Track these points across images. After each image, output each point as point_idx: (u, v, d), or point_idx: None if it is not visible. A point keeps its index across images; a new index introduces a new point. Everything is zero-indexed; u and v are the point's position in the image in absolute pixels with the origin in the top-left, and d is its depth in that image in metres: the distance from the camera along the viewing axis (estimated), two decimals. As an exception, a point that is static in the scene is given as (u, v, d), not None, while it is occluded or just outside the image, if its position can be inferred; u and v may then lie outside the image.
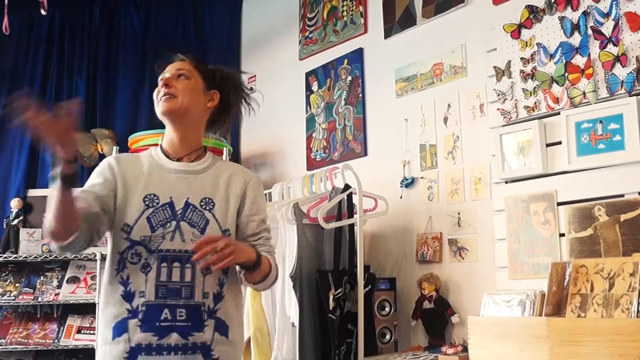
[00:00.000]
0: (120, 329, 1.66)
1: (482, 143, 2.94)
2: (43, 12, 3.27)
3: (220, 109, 1.94)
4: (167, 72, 1.83)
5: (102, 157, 4.41)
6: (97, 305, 3.87)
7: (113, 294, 1.70)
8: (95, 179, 1.77)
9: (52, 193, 1.55)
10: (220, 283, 1.76)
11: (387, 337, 3.10)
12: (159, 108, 1.80)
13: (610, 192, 2.29)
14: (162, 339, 1.65)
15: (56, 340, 3.96)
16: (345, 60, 3.86)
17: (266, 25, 4.61)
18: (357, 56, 3.79)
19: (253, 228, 1.83)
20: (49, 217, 1.59)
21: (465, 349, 2.61)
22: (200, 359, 1.69)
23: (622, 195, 2.26)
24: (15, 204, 4.20)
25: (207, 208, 1.77)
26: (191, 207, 1.76)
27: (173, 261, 1.70)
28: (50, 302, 4.04)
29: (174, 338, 1.66)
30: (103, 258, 3.93)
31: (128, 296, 1.68)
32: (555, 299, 2.16)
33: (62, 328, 4.03)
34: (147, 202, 1.73)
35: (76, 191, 1.61)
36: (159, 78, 1.83)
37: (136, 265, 1.69)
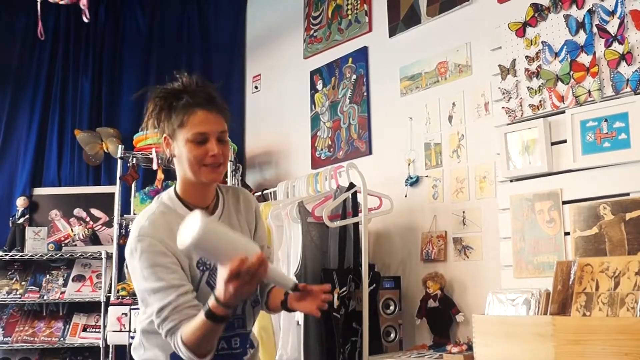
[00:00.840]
0: (178, 357, 1.59)
1: (487, 141, 2.94)
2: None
3: None
4: (209, 133, 1.66)
5: (107, 155, 4.43)
6: (102, 303, 3.89)
7: None
8: (161, 260, 1.60)
9: (198, 327, 1.49)
10: (257, 312, 1.86)
11: (392, 335, 3.10)
12: (204, 176, 1.67)
13: (616, 190, 2.29)
14: None
15: (62, 339, 3.98)
16: (350, 59, 3.86)
17: (271, 24, 4.62)
18: (361, 55, 3.78)
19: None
20: (196, 347, 1.52)
21: (470, 347, 2.61)
22: None
23: (628, 194, 2.26)
24: (21, 202, 4.21)
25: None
26: None
27: None
28: (56, 301, 4.06)
29: None
30: (109, 256, 3.96)
31: None
32: (560, 297, 2.15)
33: (67, 326, 4.05)
34: (200, 267, 1.66)
35: (186, 295, 1.57)
36: (195, 136, 1.65)
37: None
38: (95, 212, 4.36)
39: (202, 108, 1.67)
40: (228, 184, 1.81)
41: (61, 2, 3.28)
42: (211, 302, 1.45)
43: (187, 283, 1.60)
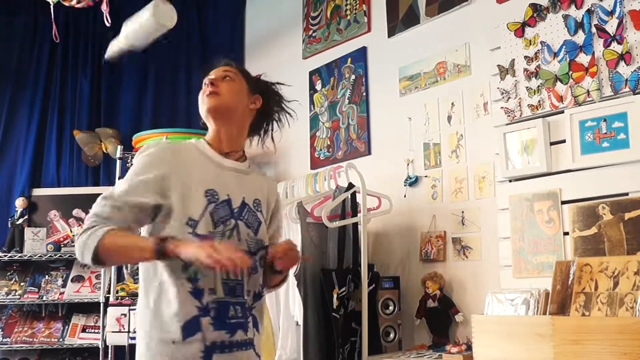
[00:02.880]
0: (192, 327, 1.60)
1: (486, 142, 2.94)
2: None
3: (262, 115, 1.97)
4: (212, 74, 1.86)
5: (106, 156, 4.43)
6: (101, 304, 3.89)
7: (179, 291, 1.61)
8: (147, 174, 1.67)
9: (132, 247, 1.60)
10: (261, 283, 1.80)
11: (391, 335, 3.10)
12: (204, 105, 1.81)
13: (615, 190, 2.29)
14: (232, 336, 1.66)
15: (61, 339, 3.98)
16: (349, 59, 3.86)
17: (270, 24, 4.62)
18: (360, 55, 3.78)
19: (277, 237, 1.95)
20: (110, 254, 1.61)
21: (469, 347, 2.61)
22: (253, 353, 1.73)
23: (627, 194, 2.26)
24: (20, 203, 4.21)
25: (259, 209, 1.82)
26: (247, 206, 1.78)
27: None
28: (55, 301, 4.06)
29: (239, 334, 1.68)
30: (107, 257, 3.95)
31: (197, 293, 1.63)
32: (559, 297, 2.15)
33: (66, 327, 4.05)
34: (208, 197, 1.69)
35: (126, 213, 1.64)
36: (204, 82, 1.85)
37: None
38: (95, 212, 4.35)
39: (217, 66, 1.88)
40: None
41: (77, 5, 3.26)
42: (170, 243, 1.53)
43: (148, 200, 1.64)
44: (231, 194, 1.74)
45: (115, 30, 4.71)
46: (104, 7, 3.20)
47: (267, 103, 1.96)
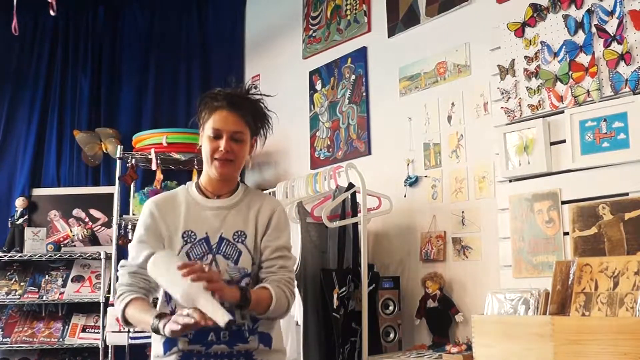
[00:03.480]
0: (170, 344, 1.84)
1: (486, 142, 2.94)
2: (52, 13, 3.27)
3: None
4: (223, 131, 1.88)
5: (106, 156, 4.43)
6: (101, 304, 3.89)
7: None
8: (140, 231, 1.92)
9: (143, 321, 1.80)
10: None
11: (391, 335, 3.10)
12: (214, 170, 1.91)
13: (615, 190, 2.29)
14: (208, 349, 1.84)
15: (61, 339, 3.98)
16: (349, 59, 3.86)
17: (270, 24, 4.61)
18: (360, 55, 3.78)
19: (267, 254, 1.92)
20: (132, 321, 1.85)
21: (469, 347, 2.61)
22: None
23: (627, 194, 2.26)
24: (20, 203, 4.21)
25: (240, 240, 1.90)
26: (225, 240, 1.89)
27: (213, 292, 1.75)
28: (55, 301, 4.06)
29: (220, 347, 1.84)
30: (107, 257, 3.96)
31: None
32: (559, 297, 2.15)
33: (66, 327, 4.05)
34: (185, 238, 1.88)
35: (141, 273, 1.88)
36: (211, 131, 1.89)
37: None
38: (94, 212, 4.36)
39: (226, 109, 1.90)
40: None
41: None
42: (161, 322, 1.70)
43: (151, 254, 1.80)
44: (209, 232, 1.89)
45: (114, 30, 4.73)
46: None
47: (259, 132, 2.04)
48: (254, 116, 1.96)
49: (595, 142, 2.36)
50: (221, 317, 1.59)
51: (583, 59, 2.43)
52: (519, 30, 2.66)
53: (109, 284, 3.92)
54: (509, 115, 2.66)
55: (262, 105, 1.99)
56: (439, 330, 2.98)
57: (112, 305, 3.74)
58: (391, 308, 3.11)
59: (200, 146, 1.96)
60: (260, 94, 1.99)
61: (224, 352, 1.84)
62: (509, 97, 2.67)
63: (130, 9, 4.83)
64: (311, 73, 4.12)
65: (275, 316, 1.90)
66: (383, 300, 3.10)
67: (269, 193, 3.72)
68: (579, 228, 2.35)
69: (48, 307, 4.16)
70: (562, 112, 2.48)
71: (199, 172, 2.55)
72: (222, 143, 1.87)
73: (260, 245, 1.92)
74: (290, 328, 3.10)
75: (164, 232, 1.90)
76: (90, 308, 4.08)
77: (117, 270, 3.75)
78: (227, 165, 1.90)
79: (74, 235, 4.27)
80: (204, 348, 1.83)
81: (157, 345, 1.88)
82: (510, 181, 2.66)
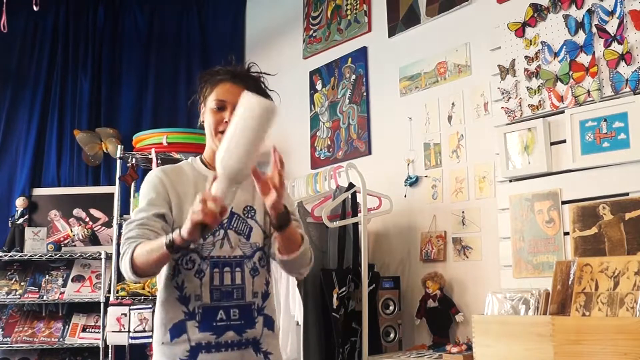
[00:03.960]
0: (178, 330, 1.75)
1: (486, 141, 2.94)
2: (35, 8, 3.26)
3: None
4: (228, 103, 1.83)
5: (106, 156, 4.43)
6: (101, 304, 3.89)
7: (168, 298, 1.78)
8: (151, 195, 1.80)
9: (155, 248, 1.63)
10: (266, 282, 1.88)
11: (392, 335, 3.10)
12: (218, 143, 1.77)
13: (615, 190, 2.29)
14: (219, 337, 1.76)
15: (61, 339, 3.97)
16: (349, 59, 3.86)
17: (270, 24, 4.62)
18: (361, 55, 3.78)
19: None
20: (141, 263, 1.66)
21: (469, 347, 2.61)
22: (251, 352, 1.80)
23: (627, 194, 2.26)
24: (20, 202, 4.21)
25: (249, 216, 1.87)
26: (236, 215, 1.84)
27: (224, 266, 1.79)
28: (56, 301, 4.05)
29: (230, 335, 1.77)
30: (108, 257, 3.96)
31: (184, 299, 1.77)
32: (559, 297, 2.15)
33: (67, 326, 4.05)
34: None
35: (152, 225, 1.73)
36: (215, 102, 1.85)
37: (190, 270, 1.78)
38: (95, 212, 4.36)
39: (229, 81, 1.86)
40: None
41: None
42: (175, 232, 1.57)
43: (163, 213, 1.75)
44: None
45: (114, 30, 4.73)
46: None
47: None
48: (257, 91, 1.87)
49: (595, 142, 2.36)
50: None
51: (583, 59, 2.43)
52: (520, 30, 2.66)
53: (110, 284, 3.92)
54: (510, 115, 2.66)
55: (263, 82, 1.97)
56: (439, 330, 2.98)
57: (113, 305, 3.74)
58: (391, 308, 3.12)
59: (202, 122, 1.91)
60: (260, 72, 1.96)
61: (233, 340, 1.77)
62: (510, 97, 2.67)
63: (130, 9, 4.83)
64: (311, 73, 4.12)
65: (302, 262, 1.86)
66: (383, 300, 3.10)
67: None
68: (579, 228, 2.35)
69: (48, 307, 4.16)
70: (563, 112, 2.48)
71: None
72: (227, 114, 1.82)
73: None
74: (290, 328, 3.10)
75: (174, 201, 1.80)
76: (91, 308, 4.08)
77: (117, 269, 3.76)
78: None
79: (74, 235, 4.27)
80: (215, 337, 1.75)
81: (162, 332, 1.78)
82: (511, 181, 2.66)
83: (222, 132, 1.77)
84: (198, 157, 1.94)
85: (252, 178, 1.83)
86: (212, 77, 1.90)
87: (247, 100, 1.56)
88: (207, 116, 1.87)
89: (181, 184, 1.83)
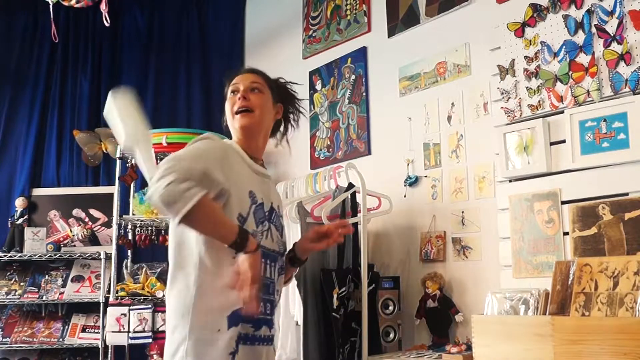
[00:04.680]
0: (235, 318, 1.66)
1: (486, 142, 2.94)
2: (106, 24, 3.31)
3: (280, 120, 2.05)
4: (240, 84, 1.90)
5: (106, 156, 4.43)
6: (101, 304, 3.88)
7: (226, 281, 1.64)
8: (207, 154, 1.69)
9: (224, 225, 1.61)
10: (282, 282, 1.92)
11: (391, 335, 3.10)
12: (237, 122, 1.85)
13: (615, 190, 2.29)
14: (257, 330, 1.74)
15: (61, 339, 3.97)
16: (349, 59, 3.86)
17: (270, 24, 4.62)
18: (360, 55, 3.78)
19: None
20: (204, 217, 1.57)
21: (469, 347, 2.61)
22: (271, 348, 1.83)
23: (627, 194, 2.26)
24: (20, 203, 4.21)
25: (281, 214, 1.92)
26: (275, 212, 1.87)
27: (267, 258, 1.78)
28: (55, 301, 4.05)
29: (263, 330, 1.77)
30: (107, 257, 3.96)
31: None
32: (559, 297, 2.15)
33: (66, 327, 4.05)
34: (252, 197, 1.75)
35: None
36: (230, 89, 1.91)
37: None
38: (94, 212, 4.36)
39: (244, 71, 1.95)
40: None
41: (76, 5, 3.27)
42: (250, 241, 1.59)
43: (214, 178, 1.65)
44: (264, 198, 1.81)
45: (114, 30, 4.74)
46: (103, 7, 3.21)
47: (286, 109, 2.05)
48: (275, 83, 1.99)
49: (595, 142, 2.36)
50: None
51: (583, 59, 2.43)
52: (519, 30, 2.66)
53: (109, 284, 3.92)
54: (509, 115, 2.66)
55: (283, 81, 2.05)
56: (439, 330, 2.98)
57: (112, 305, 3.74)
58: (391, 308, 3.11)
59: (227, 121, 1.92)
60: (281, 80, 2.08)
61: (265, 335, 1.77)
62: (509, 97, 2.67)
63: (130, 9, 4.83)
64: (311, 73, 4.12)
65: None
66: (383, 300, 3.10)
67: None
68: (579, 228, 2.35)
69: (48, 307, 4.16)
70: (562, 112, 2.48)
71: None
72: (239, 95, 1.86)
73: None
74: (290, 328, 3.10)
75: (226, 176, 1.68)
76: (90, 308, 4.08)
77: (117, 270, 3.76)
78: (247, 116, 1.84)
79: (73, 235, 4.26)
80: (253, 329, 1.71)
81: (215, 319, 1.65)
82: (510, 181, 2.66)
83: (237, 113, 1.84)
84: (235, 143, 1.87)
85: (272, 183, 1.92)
86: (229, 76, 1.95)
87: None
88: (227, 107, 1.91)
89: (235, 168, 1.74)
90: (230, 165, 1.72)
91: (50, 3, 3.30)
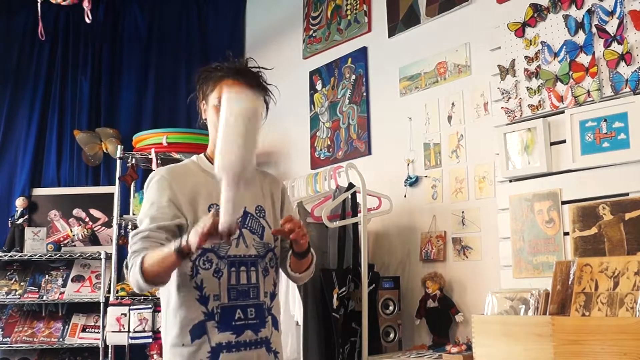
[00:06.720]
0: (199, 331, 1.75)
1: (486, 142, 2.94)
2: (88, 21, 3.31)
3: None
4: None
5: (106, 156, 4.43)
6: (101, 304, 3.89)
7: (187, 298, 1.77)
8: (159, 200, 1.79)
9: (166, 255, 1.64)
10: (274, 283, 1.91)
11: (391, 335, 3.10)
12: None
13: (615, 190, 2.29)
14: (239, 337, 1.78)
15: (61, 339, 3.98)
16: (349, 59, 3.86)
17: (270, 24, 4.62)
18: (361, 55, 3.78)
19: None
20: (153, 271, 1.66)
21: (469, 347, 2.61)
22: (264, 351, 1.84)
23: (627, 194, 2.26)
24: (20, 203, 4.21)
25: (261, 215, 1.89)
26: (249, 215, 1.86)
27: (240, 265, 1.81)
28: (55, 301, 4.05)
29: (248, 334, 1.80)
30: (107, 257, 3.96)
31: (203, 300, 1.76)
32: (559, 297, 2.15)
33: (66, 327, 4.05)
34: (211, 212, 1.74)
35: (156, 237, 1.73)
36: (219, 95, 1.81)
37: (208, 270, 1.77)
38: (95, 212, 4.36)
39: (230, 77, 1.85)
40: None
41: (63, 3, 3.28)
42: (184, 240, 1.58)
43: (170, 222, 1.75)
44: None
45: (114, 30, 4.73)
46: (86, 4, 3.20)
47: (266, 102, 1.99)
48: (258, 86, 1.92)
49: (595, 142, 2.36)
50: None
51: (583, 59, 2.43)
52: (519, 30, 2.66)
53: (109, 284, 3.92)
54: (509, 115, 2.66)
55: (262, 77, 1.97)
56: (439, 330, 2.98)
57: (113, 305, 3.74)
58: (391, 308, 3.11)
59: (204, 119, 1.91)
60: (259, 67, 1.97)
61: (251, 339, 1.80)
62: (509, 97, 2.67)
63: (130, 8, 4.83)
64: (311, 73, 4.12)
65: (309, 276, 1.97)
66: (383, 300, 3.10)
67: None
68: (579, 228, 2.35)
69: (48, 307, 4.16)
70: (563, 112, 2.48)
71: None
72: None
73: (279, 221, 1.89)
74: (290, 328, 3.10)
75: (185, 204, 1.78)
76: (91, 308, 4.08)
77: (117, 269, 3.77)
78: None
79: (74, 235, 4.27)
80: (235, 336, 1.77)
81: (180, 334, 1.76)
82: (511, 181, 2.66)
83: None
84: (202, 155, 1.92)
85: (258, 177, 1.85)
86: (211, 74, 1.89)
87: (234, 100, 1.56)
88: (210, 113, 1.87)
89: (190, 186, 1.82)
90: (181, 193, 1.79)
91: (39, 1, 3.31)
